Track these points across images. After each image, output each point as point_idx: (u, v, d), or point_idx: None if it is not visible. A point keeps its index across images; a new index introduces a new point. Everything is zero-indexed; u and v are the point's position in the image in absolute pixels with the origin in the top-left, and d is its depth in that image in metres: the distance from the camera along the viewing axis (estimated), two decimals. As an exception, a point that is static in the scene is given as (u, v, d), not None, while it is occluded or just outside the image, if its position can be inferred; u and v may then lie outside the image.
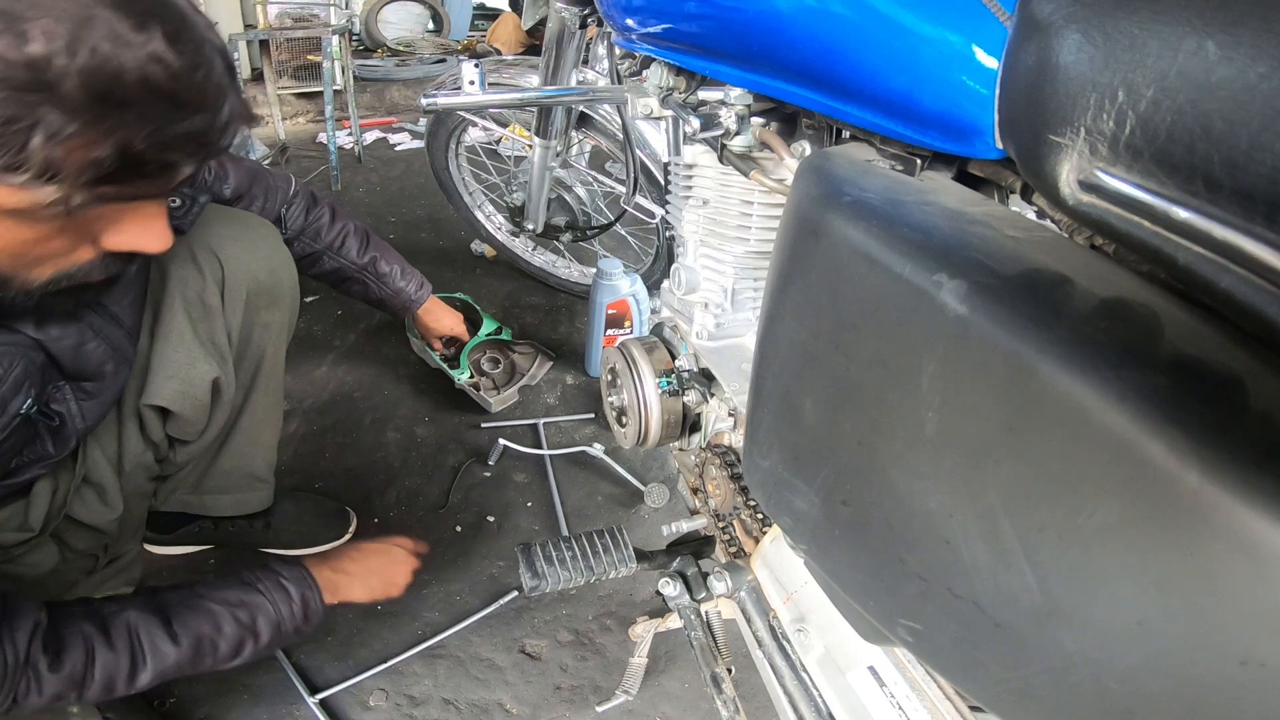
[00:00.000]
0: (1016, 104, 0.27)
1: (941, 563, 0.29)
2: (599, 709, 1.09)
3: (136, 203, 0.58)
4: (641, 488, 1.35)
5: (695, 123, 0.70)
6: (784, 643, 0.64)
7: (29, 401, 0.69)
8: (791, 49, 0.49)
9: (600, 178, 1.60)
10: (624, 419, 0.83)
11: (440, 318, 1.46)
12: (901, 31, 0.40)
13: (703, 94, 0.75)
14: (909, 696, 0.52)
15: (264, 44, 2.67)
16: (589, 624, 1.21)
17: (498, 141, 1.91)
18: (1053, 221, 0.38)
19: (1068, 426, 0.22)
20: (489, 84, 1.29)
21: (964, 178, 0.43)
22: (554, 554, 0.75)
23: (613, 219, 1.56)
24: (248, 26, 2.77)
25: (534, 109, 1.47)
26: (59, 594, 0.90)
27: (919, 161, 0.47)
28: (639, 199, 1.47)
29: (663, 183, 1.45)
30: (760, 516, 0.66)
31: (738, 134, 0.70)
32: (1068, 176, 0.26)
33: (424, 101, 1.04)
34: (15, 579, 0.83)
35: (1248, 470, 0.19)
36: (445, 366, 1.54)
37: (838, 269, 0.33)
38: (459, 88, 1.04)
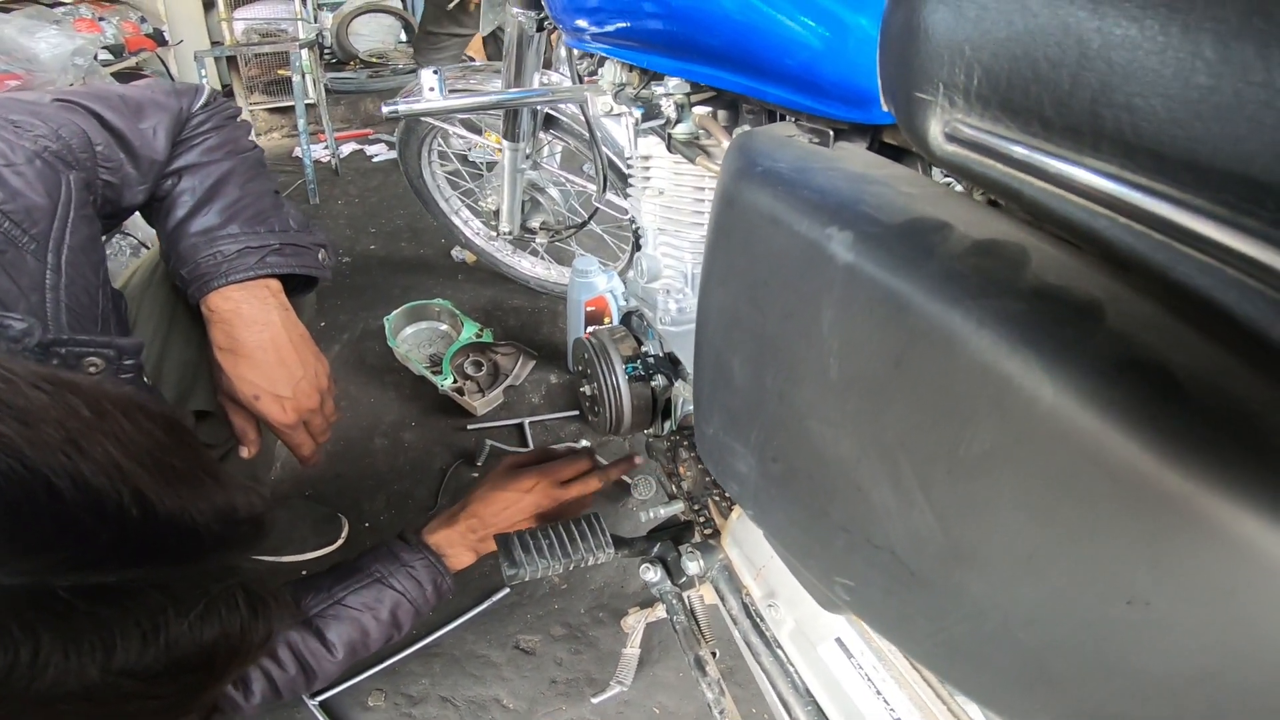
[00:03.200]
0: (891, 66, 0.28)
1: (858, 511, 0.30)
2: (594, 700, 1.10)
3: None
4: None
5: (638, 113, 0.72)
6: (757, 620, 0.65)
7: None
8: (712, 34, 0.51)
9: (572, 178, 1.61)
10: (596, 408, 0.84)
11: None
12: (796, 7, 0.42)
13: (654, 88, 0.76)
14: (876, 666, 0.53)
15: (231, 60, 2.67)
16: (581, 617, 1.22)
17: (466, 154, 1.92)
18: (952, 179, 0.39)
19: (941, 357, 0.23)
20: (451, 90, 1.30)
21: (883, 149, 0.45)
22: (531, 543, 0.76)
23: (586, 218, 1.58)
24: (214, 43, 2.76)
25: (501, 114, 1.48)
26: None
27: (831, 134, 0.49)
28: (610, 196, 1.48)
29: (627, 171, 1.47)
30: (728, 495, 0.67)
31: (679, 122, 0.72)
32: (935, 130, 0.27)
33: (385, 109, 1.05)
34: None
35: (1099, 384, 0.20)
36: (428, 373, 1.55)
37: (751, 233, 0.34)
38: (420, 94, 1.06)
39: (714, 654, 0.81)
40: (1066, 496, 0.21)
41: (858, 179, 0.32)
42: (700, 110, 0.71)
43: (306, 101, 2.38)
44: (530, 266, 1.96)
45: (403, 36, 3.62)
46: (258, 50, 2.40)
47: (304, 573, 1.26)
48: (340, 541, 1.29)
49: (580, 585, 1.26)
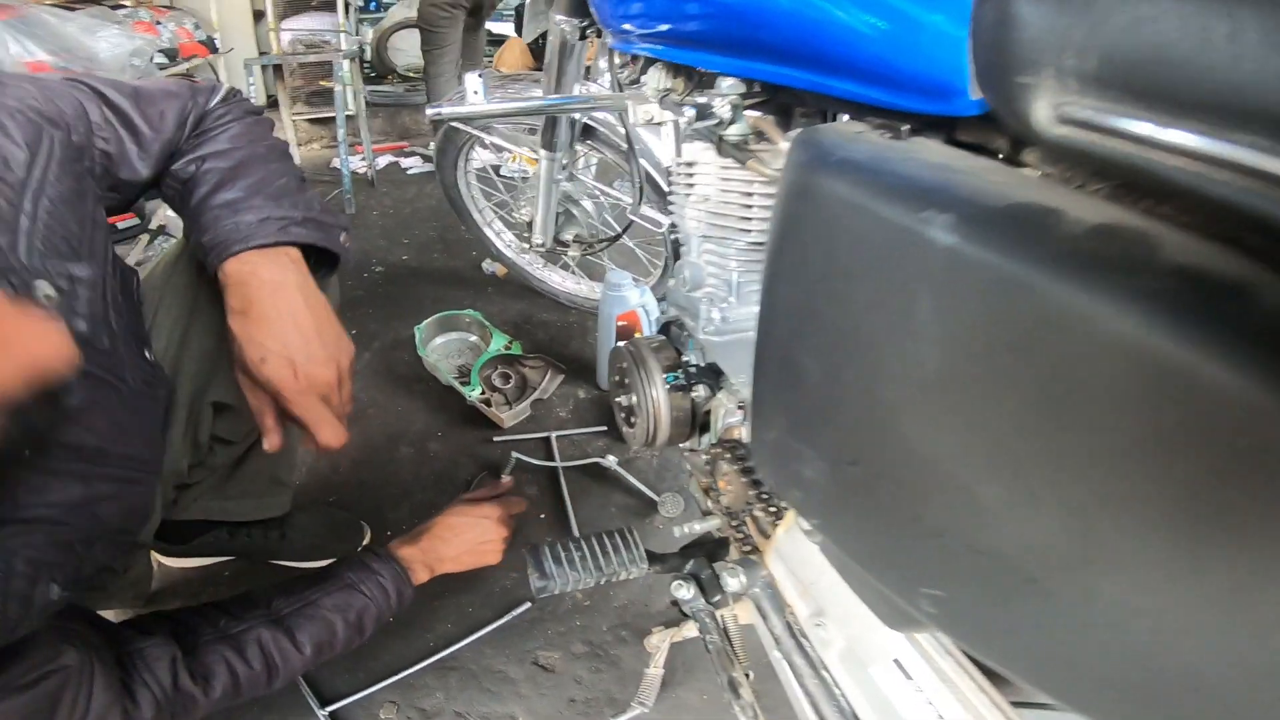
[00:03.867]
0: (988, 53, 0.27)
1: (960, 513, 0.28)
2: (615, 721, 1.07)
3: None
4: (655, 498, 1.34)
5: (690, 113, 0.71)
6: (802, 639, 0.62)
7: (56, 589, 0.57)
8: (773, 30, 0.50)
9: (607, 190, 1.61)
10: (632, 419, 0.82)
11: (253, 329, 0.71)
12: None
13: (700, 98, 0.75)
14: (939, 689, 0.50)
15: (278, 69, 2.75)
16: (603, 635, 1.19)
17: (499, 166, 1.94)
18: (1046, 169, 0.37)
19: (1074, 340, 0.21)
20: (493, 96, 1.31)
21: (953, 145, 0.43)
22: (563, 554, 0.74)
23: (620, 231, 1.57)
24: (262, 53, 2.85)
25: (539, 124, 1.49)
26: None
27: (905, 127, 0.47)
28: (645, 209, 1.48)
29: (667, 189, 1.46)
30: (773, 509, 0.65)
31: (732, 123, 0.70)
32: (1043, 113, 0.26)
33: (429, 111, 1.06)
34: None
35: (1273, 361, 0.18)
36: (456, 384, 1.54)
37: (829, 224, 0.32)
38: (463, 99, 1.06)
39: (748, 675, 0.78)
40: (1240, 486, 0.18)
41: (943, 168, 0.30)
42: (752, 114, 0.70)
43: (346, 113, 2.43)
44: (561, 281, 1.96)
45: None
46: (302, 60, 2.46)
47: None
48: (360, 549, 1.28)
49: (603, 602, 1.23)
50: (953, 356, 0.26)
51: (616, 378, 0.86)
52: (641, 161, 1.40)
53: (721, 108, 0.70)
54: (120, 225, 1.86)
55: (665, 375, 0.77)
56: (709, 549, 0.85)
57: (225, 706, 0.75)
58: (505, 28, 4.20)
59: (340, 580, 0.88)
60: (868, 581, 0.45)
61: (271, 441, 0.78)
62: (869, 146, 0.36)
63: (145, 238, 1.91)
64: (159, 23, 2.23)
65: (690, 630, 1.10)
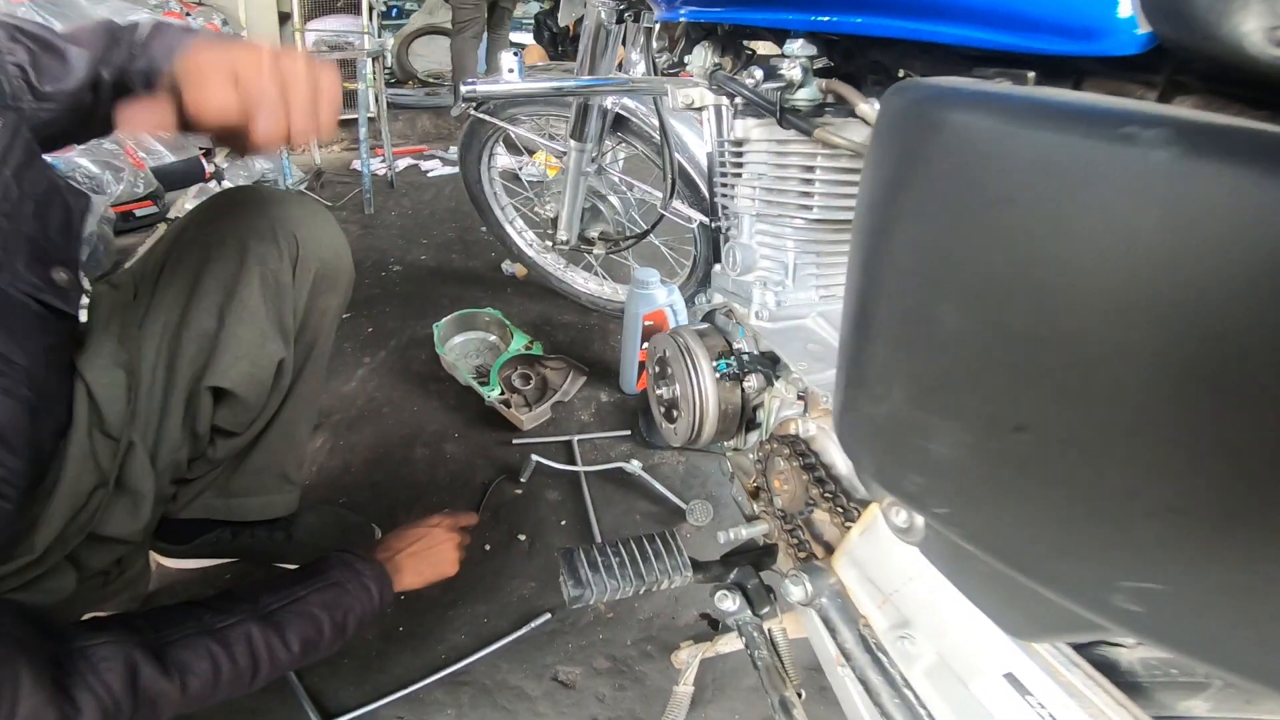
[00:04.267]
0: None
1: (1185, 472, 0.21)
2: (640, 745, 0.99)
3: None
4: (683, 505, 1.26)
5: (759, 73, 0.65)
6: (879, 654, 0.55)
7: None
8: None
9: (636, 183, 1.55)
10: (675, 412, 0.75)
11: (207, 75, 0.65)
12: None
13: (759, 69, 0.70)
14: (1066, 705, 0.43)
15: (301, 72, 2.72)
16: (628, 650, 1.11)
17: (518, 171, 1.90)
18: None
19: None
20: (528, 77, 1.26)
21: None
22: (600, 560, 0.67)
23: (649, 227, 1.51)
24: (287, 54, 2.85)
25: (568, 117, 1.44)
26: (68, 619, 0.83)
27: (1031, 75, 0.41)
28: (676, 204, 1.42)
29: (701, 185, 1.41)
30: (841, 509, 0.58)
31: (801, 86, 0.65)
32: (1255, 33, 0.22)
33: (463, 88, 1.01)
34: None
35: None
36: (475, 383, 1.48)
37: (975, 151, 0.27)
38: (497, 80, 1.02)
39: (800, 695, 0.70)
40: None
41: (1092, 98, 0.25)
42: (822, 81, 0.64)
43: (368, 114, 2.40)
44: (584, 282, 1.90)
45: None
46: (325, 59, 2.45)
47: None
48: (372, 551, 1.21)
49: (628, 615, 1.15)
50: (1174, 274, 0.20)
51: (656, 369, 0.79)
52: (675, 155, 1.35)
53: (791, 69, 0.65)
54: (138, 213, 1.82)
55: (715, 364, 0.70)
56: (753, 556, 0.78)
57: (200, 704, 0.71)
58: (524, 37, 4.21)
59: (327, 578, 0.84)
60: (995, 585, 0.38)
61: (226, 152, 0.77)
62: (995, 87, 0.31)
63: (163, 226, 1.88)
64: (188, 14, 2.23)
65: (724, 645, 1.02)
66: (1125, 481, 0.23)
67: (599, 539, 1.25)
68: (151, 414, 0.87)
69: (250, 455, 1.05)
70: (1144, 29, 0.31)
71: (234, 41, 0.71)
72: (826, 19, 0.57)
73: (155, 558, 1.17)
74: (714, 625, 1.16)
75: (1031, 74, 0.41)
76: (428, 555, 0.97)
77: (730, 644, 1.02)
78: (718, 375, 0.70)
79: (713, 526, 1.27)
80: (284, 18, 2.90)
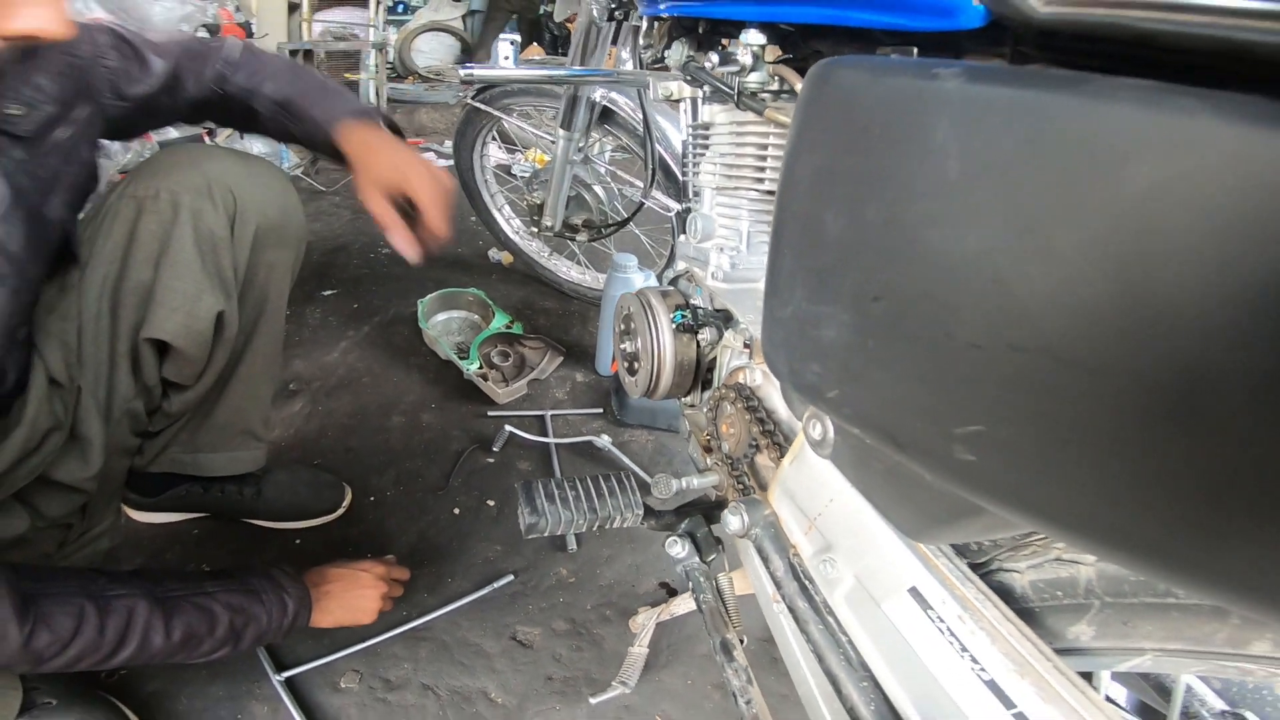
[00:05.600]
0: None
1: (995, 309, 0.26)
2: (592, 701, 1.01)
3: None
4: (647, 479, 1.30)
5: (714, 58, 0.71)
6: (806, 582, 0.59)
7: None
8: None
9: (620, 173, 1.61)
10: (636, 364, 0.80)
11: (380, 155, 0.87)
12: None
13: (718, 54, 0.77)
14: (962, 618, 0.47)
15: (308, 54, 2.78)
16: (587, 613, 1.14)
17: (510, 166, 1.96)
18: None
19: (1098, 140, 0.23)
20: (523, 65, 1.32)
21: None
22: (556, 493, 0.71)
23: (629, 215, 1.57)
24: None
25: (561, 103, 1.50)
26: None
27: (915, 50, 0.49)
28: (656, 194, 1.47)
29: (679, 172, 1.47)
30: (778, 443, 0.62)
31: (753, 70, 0.71)
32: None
33: (462, 72, 1.07)
34: None
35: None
36: (455, 357, 1.52)
37: (848, 98, 0.35)
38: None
39: (742, 640, 0.74)
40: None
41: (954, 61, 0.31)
42: (774, 57, 0.70)
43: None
44: (566, 270, 1.95)
45: (459, 56, 3.77)
46: (330, 49, 2.50)
47: (296, 541, 1.21)
48: (341, 510, 1.24)
49: (589, 580, 1.19)
50: (975, 159, 0.26)
51: (622, 326, 0.84)
52: (657, 147, 1.41)
53: (744, 55, 0.71)
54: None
55: (673, 315, 0.75)
56: (704, 508, 0.82)
57: (38, 664, 0.69)
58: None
59: (244, 584, 0.84)
60: (888, 483, 0.43)
61: (411, 251, 0.87)
62: (883, 56, 0.37)
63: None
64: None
65: (678, 607, 1.05)
66: (946, 326, 0.28)
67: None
68: (100, 364, 0.89)
69: (214, 412, 1.06)
70: (978, 3, 0.37)
71: (390, 139, 0.90)
72: (764, 9, 0.63)
73: (126, 511, 1.19)
74: (672, 594, 1.19)
75: (915, 49, 0.47)
76: (345, 598, 0.96)
77: (685, 605, 1.06)
78: (674, 326, 0.74)
79: (676, 501, 1.30)
80: (293, 8, 2.96)
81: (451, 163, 1.88)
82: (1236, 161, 0.19)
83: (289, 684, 0.98)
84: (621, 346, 0.83)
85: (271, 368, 1.10)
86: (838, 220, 0.35)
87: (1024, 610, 0.50)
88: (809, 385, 0.40)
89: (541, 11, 3.96)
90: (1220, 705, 0.75)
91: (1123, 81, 0.22)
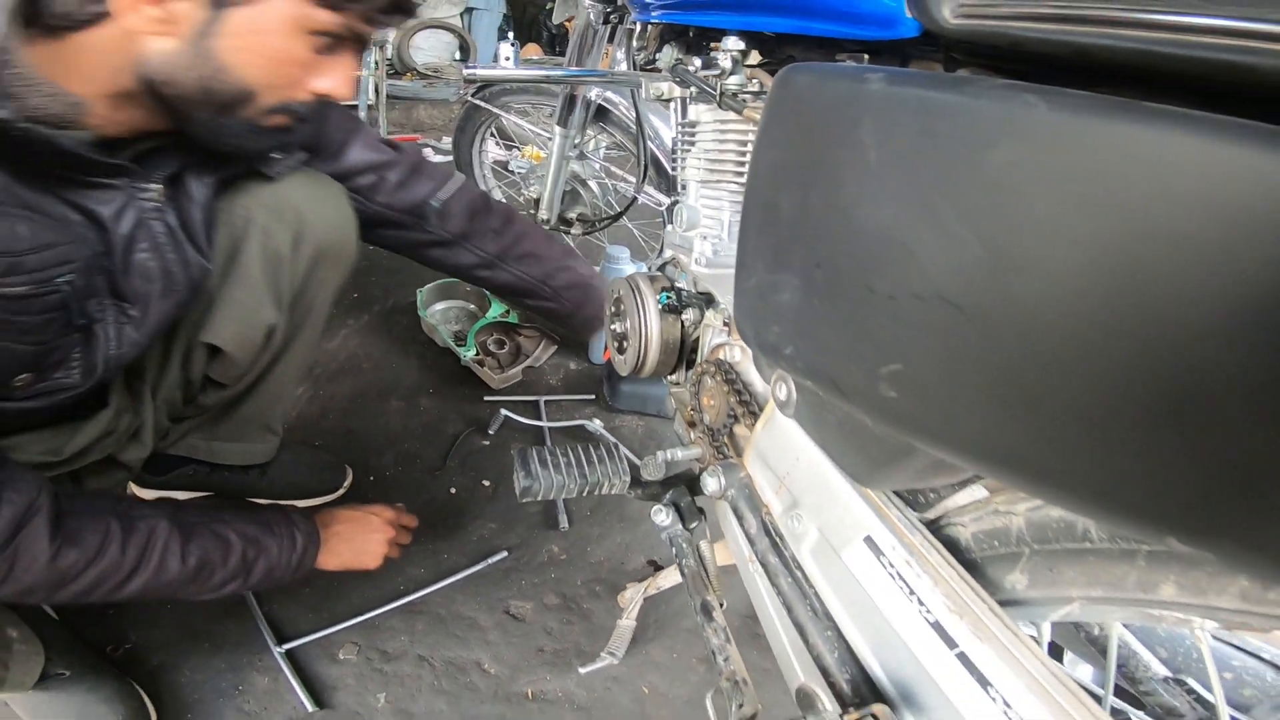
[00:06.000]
0: None
1: (903, 269, 0.32)
2: (581, 671, 1.06)
3: (345, 53, 0.71)
4: (637, 461, 1.36)
5: (698, 62, 0.77)
6: (777, 539, 0.64)
7: (70, 276, 0.68)
8: None
9: (614, 169, 1.66)
10: (625, 344, 0.85)
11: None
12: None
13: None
14: (909, 562, 0.52)
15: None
16: (577, 589, 1.19)
17: (508, 162, 2.01)
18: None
19: (962, 121, 0.29)
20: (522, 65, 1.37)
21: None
22: (550, 460, 0.76)
23: (621, 209, 1.62)
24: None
25: (558, 101, 1.55)
26: None
27: (866, 56, 0.57)
28: (648, 189, 1.53)
29: (669, 168, 1.52)
30: (753, 414, 0.67)
31: (732, 74, 0.76)
32: (946, 11, 0.36)
33: (465, 72, 1.13)
34: None
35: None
36: (453, 344, 1.57)
37: (800, 103, 0.41)
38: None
39: (721, 604, 0.79)
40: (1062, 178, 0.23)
41: (885, 67, 0.36)
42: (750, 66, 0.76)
43: (367, 102, 2.50)
44: (561, 263, 2.00)
45: (457, 54, 3.82)
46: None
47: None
48: (342, 490, 1.28)
49: (580, 557, 1.24)
50: (888, 152, 0.33)
51: (613, 308, 0.89)
52: (649, 144, 1.46)
53: (724, 60, 0.76)
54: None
55: (659, 296, 0.80)
56: (689, 479, 0.87)
57: (54, 587, 0.69)
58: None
59: (258, 517, 0.87)
60: (841, 434, 0.48)
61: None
62: (837, 63, 0.42)
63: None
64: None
65: (663, 580, 1.11)
66: (868, 283, 0.33)
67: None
68: (157, 356, 0.94)
69: (240, 407, 1.10)
70: (910, 14, 0.43)
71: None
72: (740, 19, 0.69)
73: (131, 487, 1.23)
74: (659, 570, 1.24)
75: (866, 56, 0.53)
76: (354, 541, 0.98)
77: (671, 579, 1.11)
78: (661, 308, 0.79)
79: (662, 472, 1.36)
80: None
81: (451, 158, 1.93)
82: (1056, 143, 0.25)
83: (289, 655, 1.03)
84: (612, 327, 0.88)
85: (301, 371, 1.14)
86: (790, 203, 0.41)
87: (969, 562, 0.54)
88: (770, 345, 0.45)
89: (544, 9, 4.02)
90: (1164, 672, 0.80)
91: (988, 81, 0.27)
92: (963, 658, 0.50)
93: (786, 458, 0.60)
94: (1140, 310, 0.23)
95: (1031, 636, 0.49)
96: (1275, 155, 0.19)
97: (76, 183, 0.69)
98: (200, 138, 0.72)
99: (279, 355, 1.06)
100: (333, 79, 0.71)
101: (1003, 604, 0.52)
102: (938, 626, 0.51)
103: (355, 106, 2.56)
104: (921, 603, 0.51)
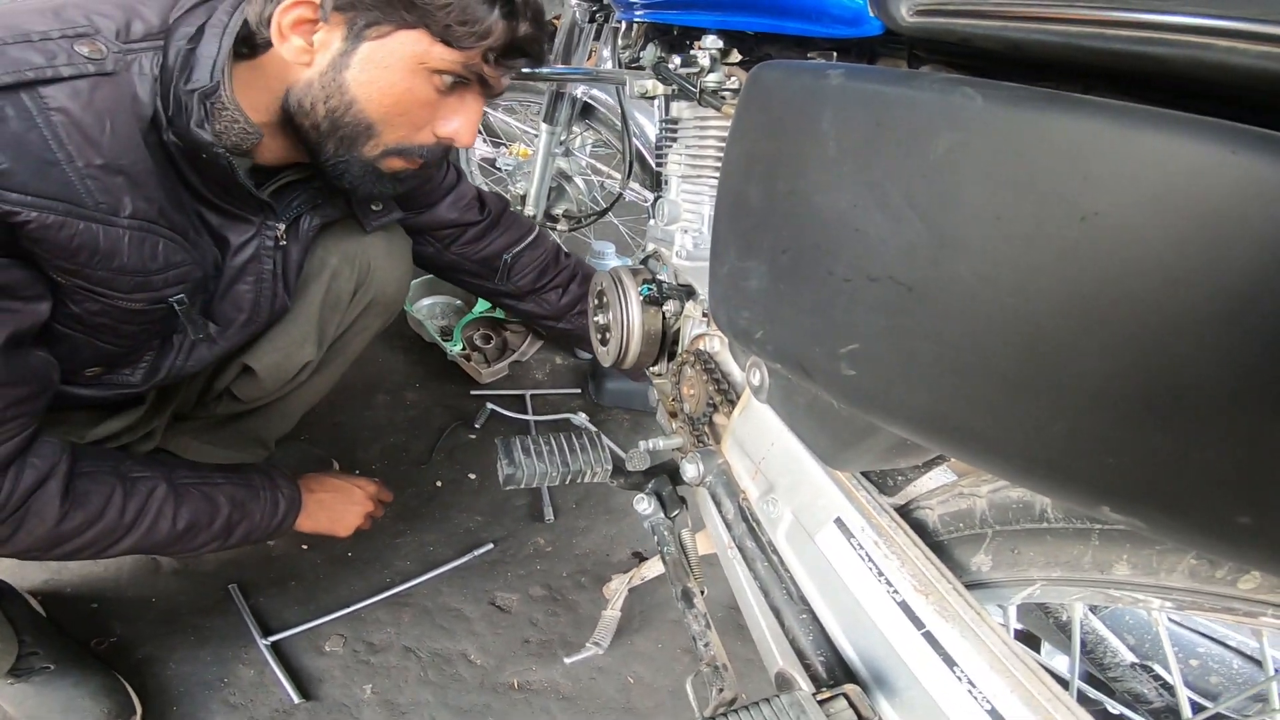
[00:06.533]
0: None
1: (857, 252, 0.34)
2: (567, 661, 1.08)
3: (470, 97, 0.71)
4: (622, 454, 1.37)
5: (677, 60, 0.78)
6: (754, 524, 0.65)
7: (182, 296, 0.70)
8: None
9: (600, 165, 1.67)
10: (607, 335, 0.86)
11: None
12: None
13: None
14: (877, 543, 0.53)
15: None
16: (563, 580, 1.20)
17: (495, 159, 2.02)
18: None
19: (907, 113, 0.31)
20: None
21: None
22: (533, 448, 0.77)
23: (607, 206, 1.63)
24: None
25: (544, 97, 1.56)
26: None
27: (834, 54, 0.59)
28: (633, 185, 1.54)
29: (653, 164, 1.53)
30: (731, 402, 0.69)
31: (710, 71, 0.78)
32: (903, 10, 0.38)
33: None
34: None
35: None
36: (439, 339, 1.57)
37: (768, 97, 0.43)
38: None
39: (702, 591, 0.80)
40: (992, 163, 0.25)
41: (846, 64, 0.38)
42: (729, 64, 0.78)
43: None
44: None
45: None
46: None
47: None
48: (330, 485, 1.28)
49: (565, 549, 1.25)
50: (843, 142, 0.35)
51: (595, 301, 0.90)
52: (634, 141, 1.48)
53: (703, 58, 0.78)
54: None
55: (640, 288, 0.81)
56: (671, 469, 0.88)
57: (55, 545, 0.70)
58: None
59: (244, 479, 0.87)
60: (810, 416, 0.50)
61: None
62: (803, 61, 0.44)
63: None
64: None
65: (647, 571, 1.12)
66: (826, 267, 0.35)
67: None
68: None
69: (245, 419, 1.10)
70: (873, 13, 0.45)
71: None
72: (717, 18, 0.71)
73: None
74: (644, 561, 1.26)
75: (835, 53, 0.55)
76: (335, 509, 0.99)
77: (655, 569, 1.12)
78: (642, 299, 0.81)
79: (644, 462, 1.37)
80: None
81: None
82: (990, 132, 0.27)
83: (275, 648, 1.03)
84: (595, 319, 0.90)
85: (316, 400, 1.14)
86: (759, 193, 0.43)
87: (935, 544, 0.56)
88: (742, 330, 0.46)
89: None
90: (1131, 658, 0.82)
91: (934, 76, 0.29)
92: (929, 637, 0.51)
93: (762, 443, 0.61)
94: (1064, 285, 0.24)
95: (1001, 623, 0.51)
96: (1181, 141, 0.21)
97: (221, 210, 0.72)
98: (325, 174, 0.73)
99: (301, 385, 1.07)
100: (455, 122, 0.71)
101: (970, 586, 0.54)
102: (905, 606, 0.53)
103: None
104: (889, 583, 0.52)
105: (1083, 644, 0.85)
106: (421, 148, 0.72)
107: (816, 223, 0.36)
